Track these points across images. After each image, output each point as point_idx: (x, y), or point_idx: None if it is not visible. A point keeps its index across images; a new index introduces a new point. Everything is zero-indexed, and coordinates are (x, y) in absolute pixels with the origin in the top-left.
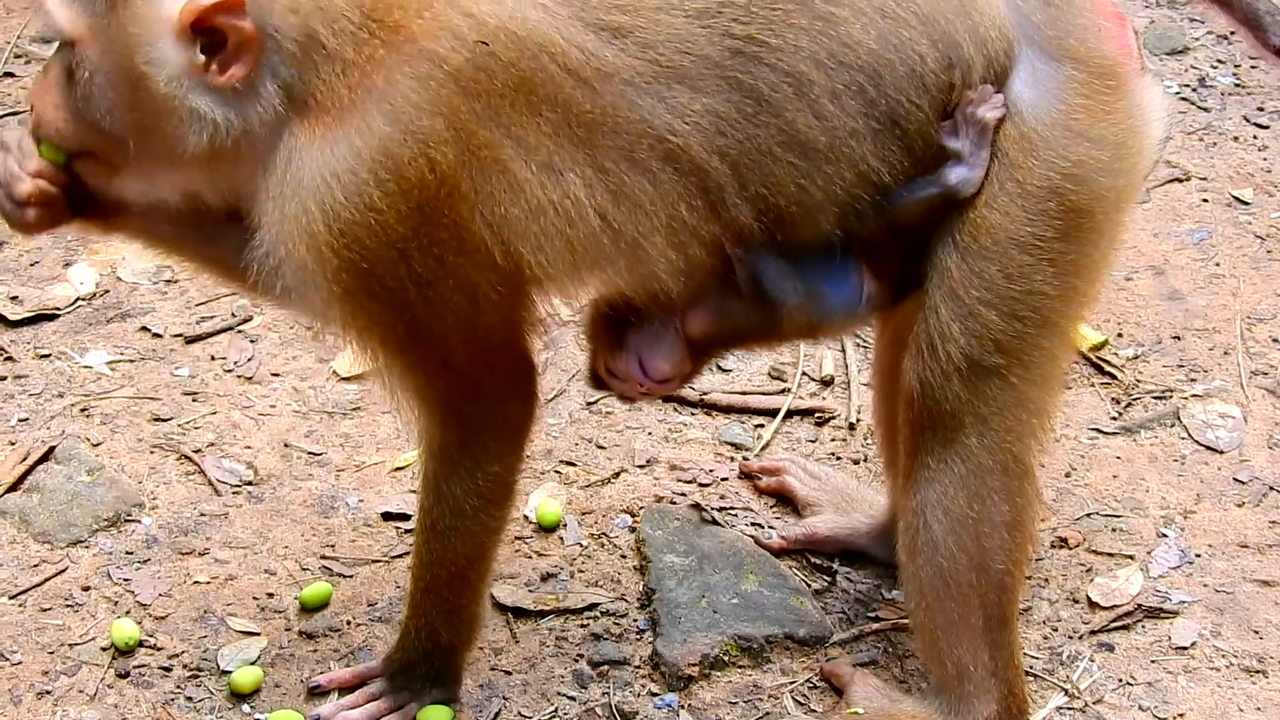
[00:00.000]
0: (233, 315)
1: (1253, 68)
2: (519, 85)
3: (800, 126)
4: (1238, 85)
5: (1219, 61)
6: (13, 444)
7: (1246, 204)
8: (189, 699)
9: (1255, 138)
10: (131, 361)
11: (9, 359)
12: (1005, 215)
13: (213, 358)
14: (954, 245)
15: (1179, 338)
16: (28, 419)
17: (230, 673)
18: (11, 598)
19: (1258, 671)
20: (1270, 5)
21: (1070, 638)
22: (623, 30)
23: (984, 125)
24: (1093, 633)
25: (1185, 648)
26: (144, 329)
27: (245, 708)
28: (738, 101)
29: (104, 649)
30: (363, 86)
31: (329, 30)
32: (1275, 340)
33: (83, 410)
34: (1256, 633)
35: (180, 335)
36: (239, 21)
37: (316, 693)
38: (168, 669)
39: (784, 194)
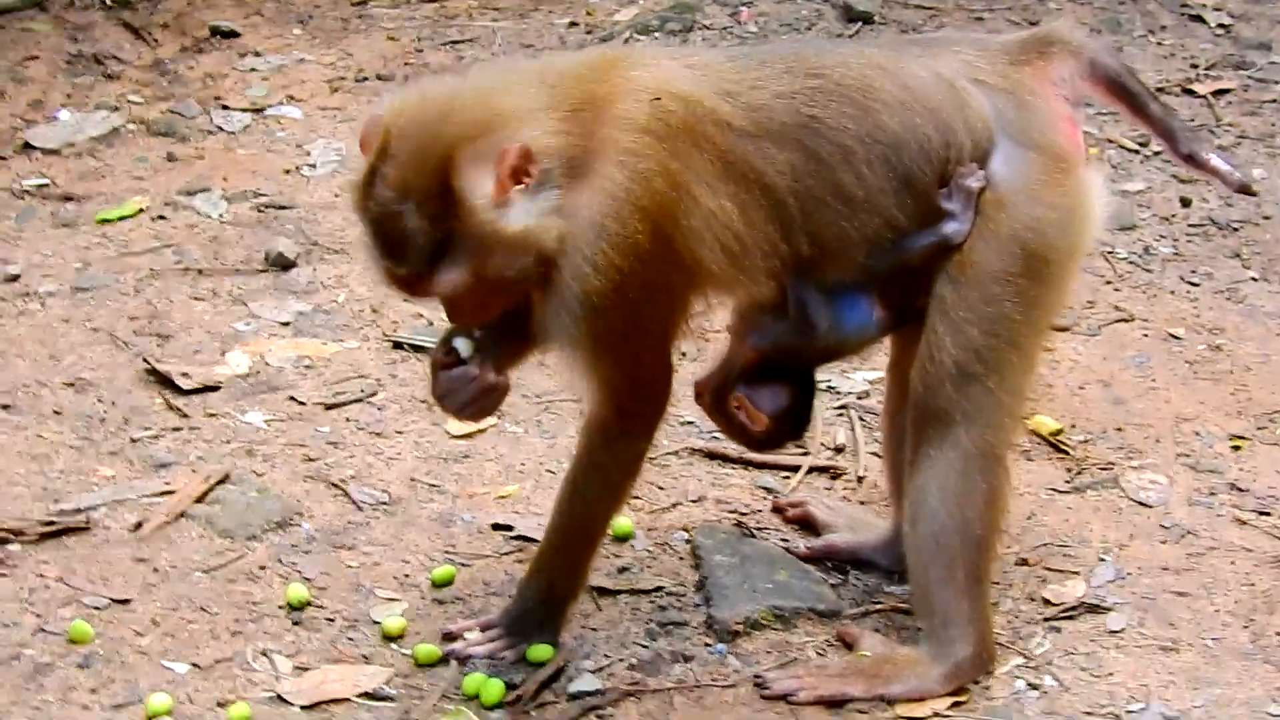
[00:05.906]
0: (361, 391)
1: (1189, 241)
2: (685, 128)
3: (845, 183)
4: (1176, 254)
5: (1161, 236)
6: (194, 471)
7: (1179, 339)
8: (350, 639)
9: (1188, 293)
10: (282, 421)
11: (184, 415)
12: (983, 256)
13: (347, 419)
14: (948, 278)
15: (1121, 429)
16: (203, 457)
17: (380, 623)
18: (205, 571)
19: (1170, 650)
20: (1181, 122)
21: (1028, 623)
22: (734, 95)
23: (970, 192)
24: (1045, 619)
25: (1117, 631)
26: (291, 398)
27: (394, 646)
28: (805, 159)
29: (280, 607)
30: (596, 151)
31: (566, 123)
32: (1197, 434)
33: (248, 452)
34: (1171, 624)
35: (320, 403)
36: (529, 163)
37: (448, 638)
38: (331, 620)
39: (831, 232)
